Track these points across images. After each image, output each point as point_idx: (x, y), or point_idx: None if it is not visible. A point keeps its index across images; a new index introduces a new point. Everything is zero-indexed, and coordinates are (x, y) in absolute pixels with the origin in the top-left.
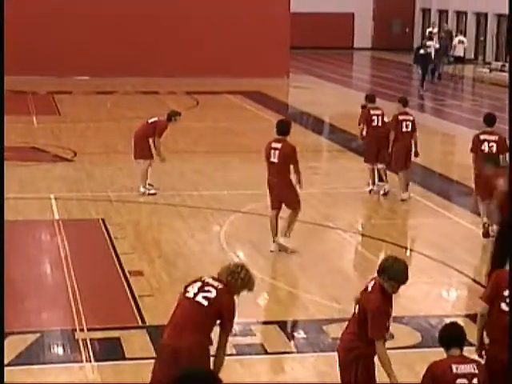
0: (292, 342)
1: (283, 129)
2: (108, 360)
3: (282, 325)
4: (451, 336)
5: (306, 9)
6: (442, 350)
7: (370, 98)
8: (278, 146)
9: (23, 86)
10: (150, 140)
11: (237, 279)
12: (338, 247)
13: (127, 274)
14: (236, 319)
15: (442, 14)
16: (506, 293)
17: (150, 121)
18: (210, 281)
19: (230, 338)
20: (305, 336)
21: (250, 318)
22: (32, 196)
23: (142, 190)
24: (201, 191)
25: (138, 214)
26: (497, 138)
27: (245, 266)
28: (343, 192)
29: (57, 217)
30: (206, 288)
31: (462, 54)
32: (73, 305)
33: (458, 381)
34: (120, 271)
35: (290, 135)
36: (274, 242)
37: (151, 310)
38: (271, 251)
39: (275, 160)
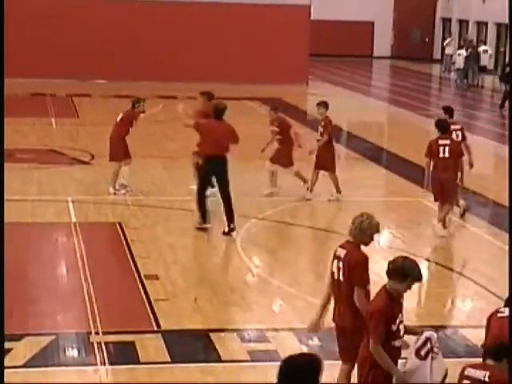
0: (306, 350)
1: (445, 127)
2: (122, 364)
3: (297, 332)
4: (488, 349)
5: (327, 16)
6: (457, 360)
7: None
8: (447, 142)
9: (43, 88)
10: (127, 139)
11: (356, 232)
12: None
13: (143, 278)
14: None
15: (463, 23)
16: None
17: (117, 119)
18: (339, 249)
19: (245, 344)
20: (320, 344)
21: (265, 325)
22: (49, 198)
23: (111, 190)
24: (217, 196)
25: (155, 219)
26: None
27: (360, 217)
28: (359, 200)
29: (74, 220)
30: (338, 255)
31: (486, 64)
32: (88, 308)
33: (464, 381)
34: (136, 275)
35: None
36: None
37: (166, 314)
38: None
39: (447, 155)
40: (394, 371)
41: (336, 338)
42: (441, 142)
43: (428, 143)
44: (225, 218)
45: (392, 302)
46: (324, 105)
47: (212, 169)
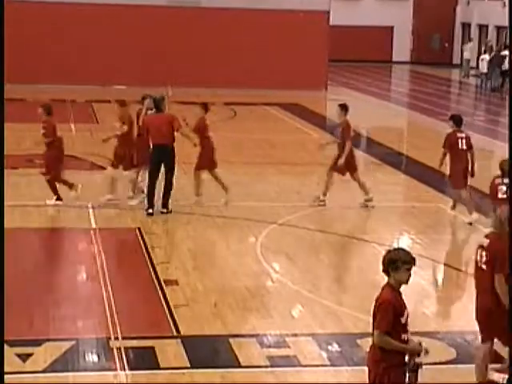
0: (326, 355)
1: (461, 121)
2: (142, 369)
3: (316, 337)
4: None
5: (346, 22)
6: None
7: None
8: (463, 135)
9: (63, 94)
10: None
11: (497, 223)
12: (373, 261)
13: (162, 284)
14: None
15: (482, 28)
16: None
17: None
18: (484, 239)
19: (264, 350)
20: (339, 349)
21: (284, 330)
22: (70, 204)
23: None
24: (237, 202)
25: (175, 224)
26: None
27: (495, 212)
28: (379, 205)
29: (94, 225)
30: (482, 245)
31: (507, 68)
32: (108, 313)
33: None
34: (155, 280)
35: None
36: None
37: (186, 319)
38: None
39: (464, 147)
40: (408, 348)
41: (478, 322)
42: (459, 134)
43: (446, 136)
44: (161, 200)
45: (397, 294)
46: (201, 106)
47: (160, 157)
